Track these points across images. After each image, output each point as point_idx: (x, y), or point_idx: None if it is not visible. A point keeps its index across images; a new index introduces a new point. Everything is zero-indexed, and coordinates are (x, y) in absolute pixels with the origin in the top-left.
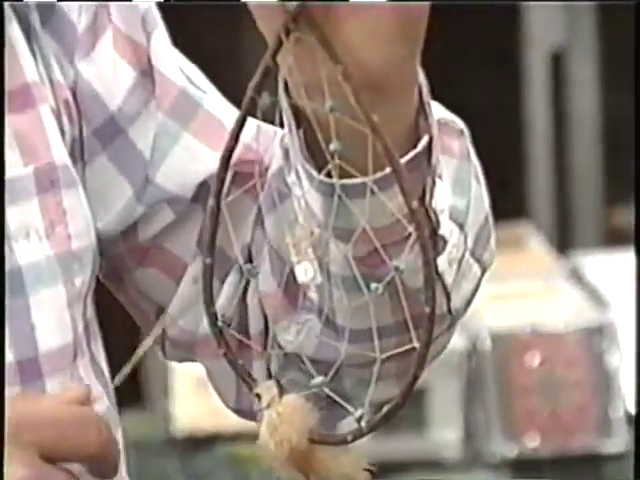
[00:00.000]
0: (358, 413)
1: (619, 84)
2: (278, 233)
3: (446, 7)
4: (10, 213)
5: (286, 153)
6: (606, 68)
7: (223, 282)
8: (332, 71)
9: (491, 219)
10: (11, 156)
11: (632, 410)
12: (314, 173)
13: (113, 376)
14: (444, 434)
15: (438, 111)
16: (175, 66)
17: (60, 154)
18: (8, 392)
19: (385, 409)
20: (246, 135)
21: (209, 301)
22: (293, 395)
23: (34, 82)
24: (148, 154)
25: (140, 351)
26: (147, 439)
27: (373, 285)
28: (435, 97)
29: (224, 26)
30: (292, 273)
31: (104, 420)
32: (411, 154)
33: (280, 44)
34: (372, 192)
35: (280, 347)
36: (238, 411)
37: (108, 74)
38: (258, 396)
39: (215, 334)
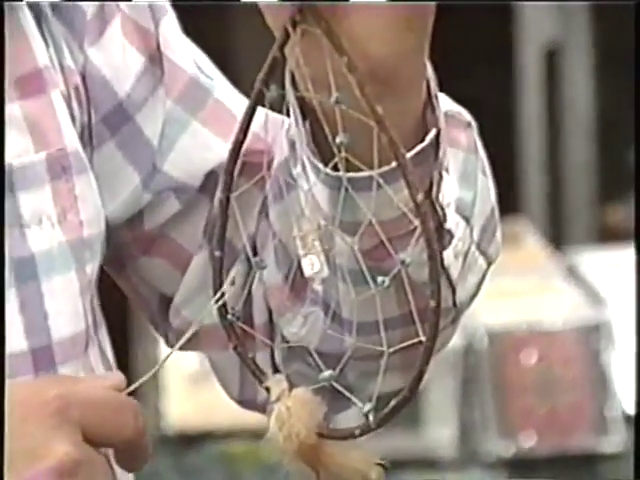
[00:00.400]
0: (366, 407)
1: (613, 81)
2: (283, 225)
3: (440, 4)
4: (23, 200)
5: (292, 145)
6: (600, 64)
7: (228, 272)
8: (338, 63)
9: (497, 212)
10: (23, 142)
11: (631, 410)
12: (320, 166)
13: None
14: (439, 432)
15: (445, 103)
16: (185, 53)
17: (71, 140)
18: (22, 380)
19: (393, 403)
20: (255, 124)
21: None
22: (302, 389)
23: (46, 67)
24: (156, 142)
25: (162, 360)
26: None
27: (380, 278)
28: None
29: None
30: (297, 265)
31: (140, 407)
32: (418, 147)
33: (287, 36)
34: (378, 185)
35: (284, 339)
36: (242, 402)
37: (117, 60)
38: (267, 389)
39: (225, 327)
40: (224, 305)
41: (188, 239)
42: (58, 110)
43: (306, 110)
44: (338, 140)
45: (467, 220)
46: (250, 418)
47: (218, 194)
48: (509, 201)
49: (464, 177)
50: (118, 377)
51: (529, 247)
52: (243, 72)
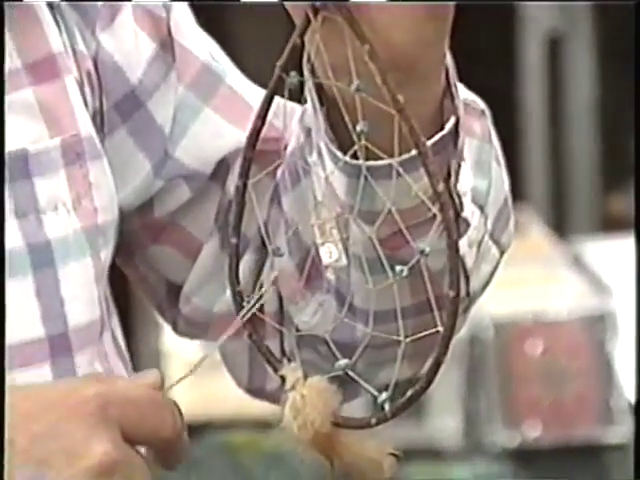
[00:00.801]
0: (382, 397)
1: (616, 69)
2: (297, 213)
3: None
4: (39, 186)
5: (308, 132)
6: (603, 53)
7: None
8: (359, 51)
9: (510, 201)
10: (37, 128)
11: (632, 398)
12: (339, 154)
13: None
14: (444, 423)
15: (460, 91)
16: (197, 40)
17: (86, 125)
18: (38, 372)
19: (409, 393)
20: (270, 112)
21: (234, 281)
22: (317, 377)
23: (59, 52)
24: (168, 128)
25: (197, 364)
26: None
27: (398, 268)
28: None
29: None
30: (309, 254)
31: (177, 406)
32: (438, 136)
33: (308, 23)
34: (398, 174)
35: (295, 328)
36: (250, 391)
37: (129, 46)
38: (282, 378)
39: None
40: (239, 292)
41: (198, 227)
42: (72, 95)
43: (323, 97)
44: (358, 128)
45: (481, 209)
46: (252, 408)
47: (233, 181)
48: (513, 191)
49: (478, 166)
50: (155, 376)
51: (533, 237)
52: (242, 63)
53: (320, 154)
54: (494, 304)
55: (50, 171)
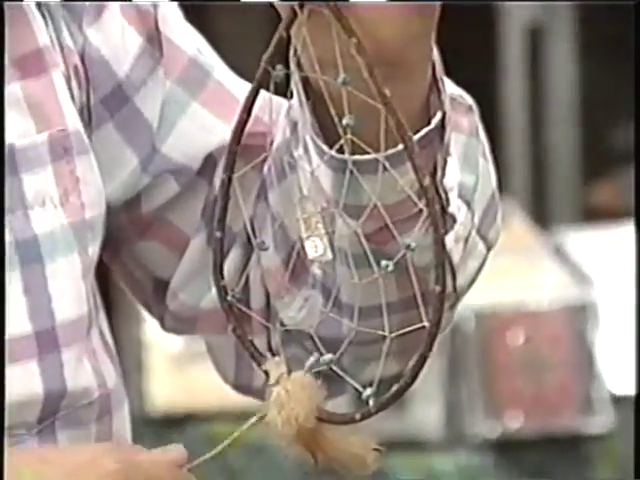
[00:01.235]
0: (367, 392)
1: (596, 60)
2: (283, 207)
3: None
4: (26, 181)
5: (294, 126)
6: (583, 44)
7: (227, 255)
8: (345, 44)
9: (498, 197)
10: (24, 123)
11: (623, 391)
12: (325, 148)
13: None
14: (426, 414)
15: (447, 86)
16: (185, 34)
17: (73, 120)
18: (25, 368)
19: (394, 388)
20: (256, 106)
21: (219, 275)
22: (301, 372)
23: (46, 46)
24: (155, 123)
25: (234, 435)
26: None
27: (384, 262)
28: None
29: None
30: (295, 249)
31: None
32: (424, 131)
33: (294, 16)
34: (384, 168)
35: (281, 324)
36: (237, 387)
37: (116, 41)
38: (266, 372)
39: (224, 309)
40: (224, 287)
41: (186, 222)
42: (59, 90)
43: (309, 91)
44: (344, 122)
45: (468, 205)
46: (234, 399)
47: (219, 175)
48: None
49: (466, 161)
50: (179, 452)
51: (515, 227)
52: (228, 59)
53: (306, 148)
54: (475, 294)
55: (37, 166)
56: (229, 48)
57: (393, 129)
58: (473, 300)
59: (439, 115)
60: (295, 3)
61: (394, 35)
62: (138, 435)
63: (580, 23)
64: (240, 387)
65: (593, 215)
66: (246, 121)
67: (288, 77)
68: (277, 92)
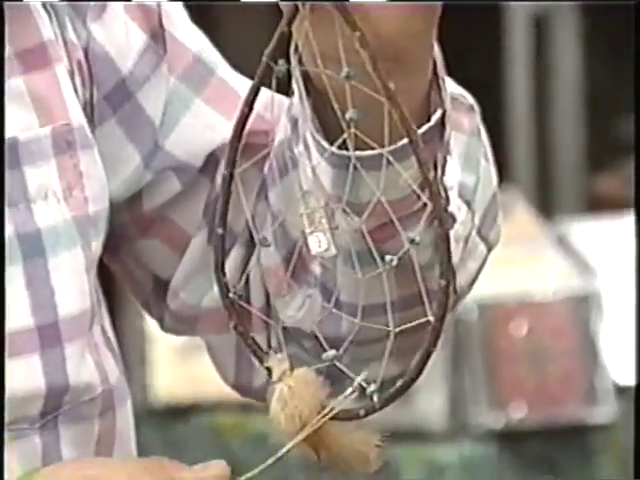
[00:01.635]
0: (371, 388)
1: (601, 50)
2: (284, 205)
3: None
4: (29, 174)
5: (294, 123)
6: (588, 33)
7: (227, 254)
8: (349, 39)
9: (498, 197)
10: (27, 117)
11: (625, 381)
12: (326, 145)
13: None
14: (429, 404)
15: (449, 85)
16: (189, 32)
17: (77, 115)
18: (27, 362)
19: (398, 384)
20: (258, 105)
21: (220, 272)
22: (304, 369)
23: (50, 41)
24: (158, 120)
25: (271, 460)
26: None
27: (388, 257)
28: None
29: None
30: (296, 247)
31: None
32: (425, 127)
33: (295, 11)
34: (388, 162)
35: (281, 321)
36: (237, 387)
37: (120, 37)
38: (269, 369)
39: (226, 306)
40: (225, 284)
41: (187, 220)
42: (63, 84)
43: (310, 87)
44: (348, 116)
45: (469, 205)
46: None
47: (221, 171)
48: (498, 172)
49: (466, 161)
50: (222, 468)
51: (519, 217)
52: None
53: (306, 145)
54: (478, 285)
55: (40, 160)
56: (233, 48)
57: (397, 123)
58: (476, 290)
59: (439, 112)
60: (299, 2)
61: (395, 31)
62: (141, 426)
63: (585, 14)
64: (240, 387)
65: (597, 205)
66: (247, 116)
67: (290, 74)
68: (279, 89)
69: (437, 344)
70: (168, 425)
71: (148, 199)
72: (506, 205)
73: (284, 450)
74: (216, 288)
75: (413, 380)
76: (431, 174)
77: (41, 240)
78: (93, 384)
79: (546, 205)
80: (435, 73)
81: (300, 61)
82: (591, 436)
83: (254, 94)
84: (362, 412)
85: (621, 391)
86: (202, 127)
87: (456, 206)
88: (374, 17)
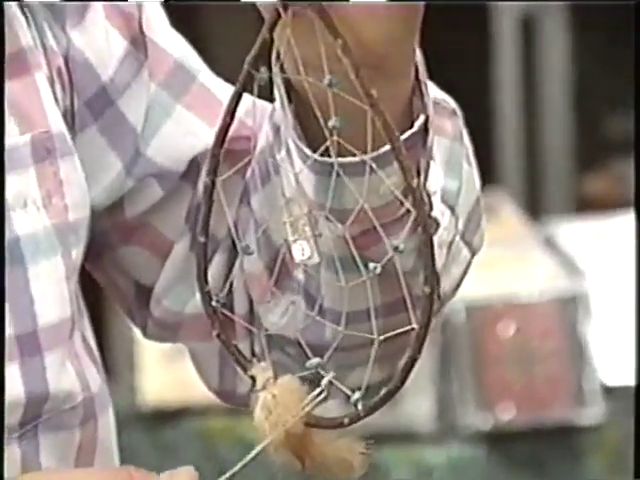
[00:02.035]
0: (355, 396)
1: (590, 50)
2: (267, 212)
3: None
4: (8, 182)
5: (277, 130)
6: (576, 33)
7: (210, 261)
8: (331, 46)
9: (482, 202)
10: (6, 125)
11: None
12: (309, 152)
13: None
14: (417, 406)
15: (431, 90)
16: (170, 38)
17: (56, 122)
18: (6, 371)
19: (383, 392)
20: (240, 111)
21: (203, 280)
22: (288, 377)
23: (29, 47)
24: (140, 126)
25: (253, 454)
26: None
27: (371, 265)
28: None
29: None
30: (279, 253)
31: None
32: (408, 133)
33: (277, 18)
34: (371, 169)
35: (264, 329)
36: (220, 393)
37: (100, 43)
38: (252, 378)
39: (209, 314)
40: (208, 292)
41: (169, 227)
42: (42, 91)
43: (292, 94)
44: (330, 124)
45: (452, 210)
46: None
47: (203, 179)
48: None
49: (449, 166)
50: (190, 473)
51: (506, 218)
52: (211, 63)
53: (289, 151)
54: (466, 286)
55: (19, 167)
56: (217, 49)
57: (380, 130)
58: (464, 292)
59: (422, 118)
60: (279, 4)
61: (377, 39)
62: (130, 430)
63: (573, 14)
64: (224, 394)
65: (585, 206)
66: (229, 124)
67: (272, 81)
68: (260, 95)
69: (421, 351)
70: (157, 429)
71: (130, 206)
72: (493, 206)
73: (252, 454)
74: (199, 295)
75: (398, 388)
76: (414, 181)
77: (20, 248)
78: (74, 392)
79: (534, 206)
80: (417, 78)
81: (282, 68)
82: (579, 437)
83: (235, 102)
84: (346, 421)
85: (609, 392)
86: (183, 133)
87: (439, 211)
88: (356, 24)
